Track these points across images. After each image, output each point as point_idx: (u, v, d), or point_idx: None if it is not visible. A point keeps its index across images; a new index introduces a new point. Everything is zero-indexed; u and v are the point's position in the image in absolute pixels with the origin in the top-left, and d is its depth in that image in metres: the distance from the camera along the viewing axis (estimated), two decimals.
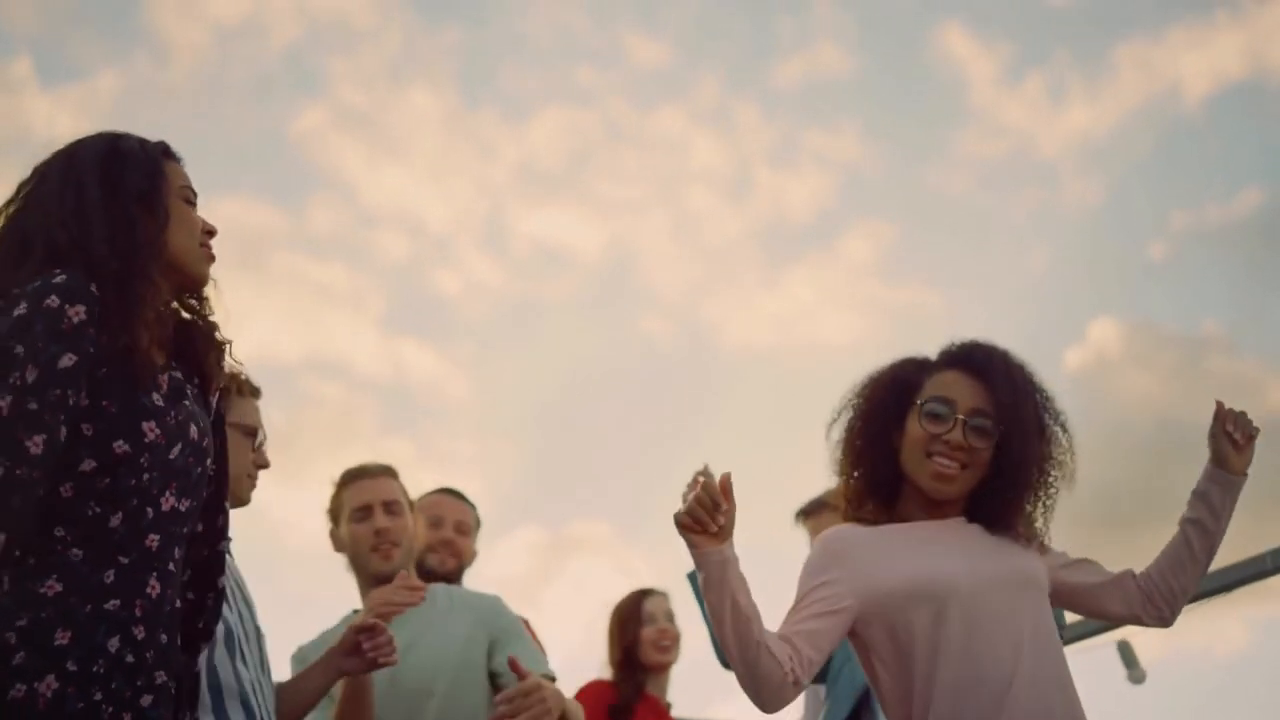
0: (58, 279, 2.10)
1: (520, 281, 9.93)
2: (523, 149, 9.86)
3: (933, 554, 2.60)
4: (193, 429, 2.20)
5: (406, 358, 9.82)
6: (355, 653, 2.97)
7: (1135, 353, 10.25)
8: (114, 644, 2.06)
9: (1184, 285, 9.79)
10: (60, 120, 9.44)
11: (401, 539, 3.51)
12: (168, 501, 2.14)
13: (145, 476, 2.12)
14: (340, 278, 9.78)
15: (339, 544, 3.61)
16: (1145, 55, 9.78)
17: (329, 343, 9.78)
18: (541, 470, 9.62)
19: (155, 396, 2.15)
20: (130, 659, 2.06)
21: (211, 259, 2.33)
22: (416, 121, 9.89)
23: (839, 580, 2.59)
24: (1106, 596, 2.77)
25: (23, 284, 2.12)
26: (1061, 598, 2.76)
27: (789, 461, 9.42)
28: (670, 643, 4.29)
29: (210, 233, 2.35)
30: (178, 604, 2.20)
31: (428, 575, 3.78)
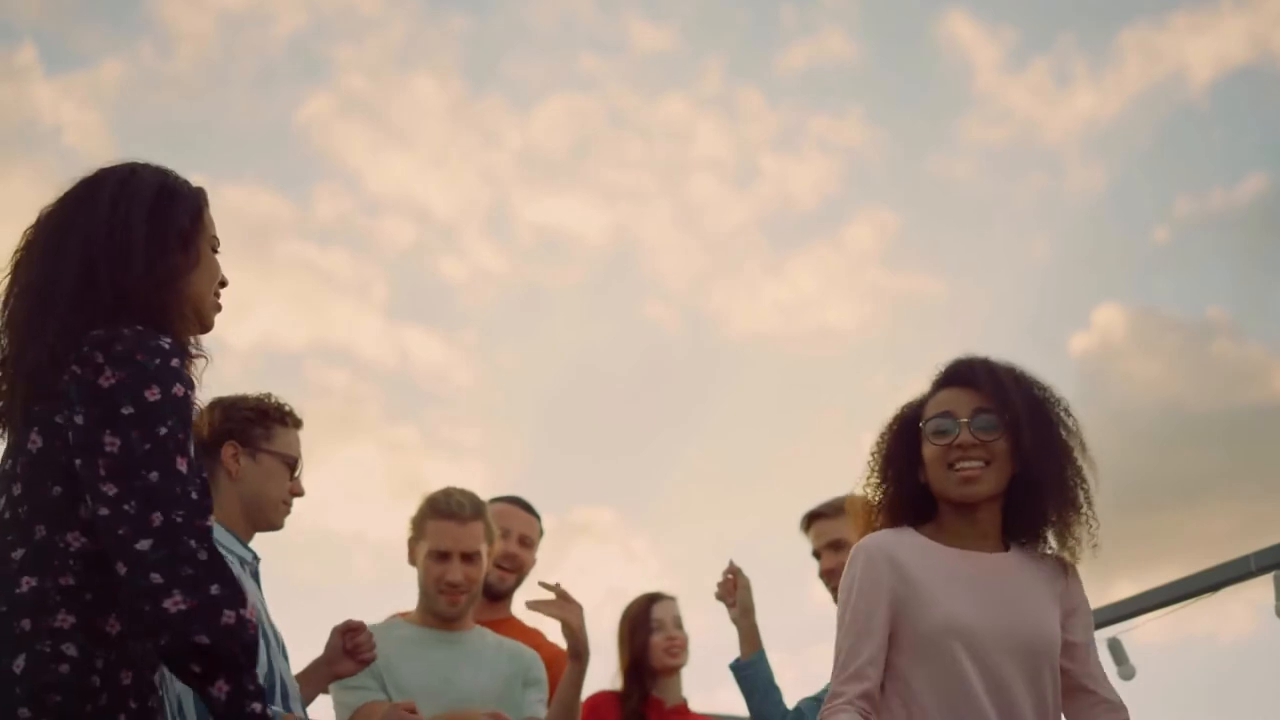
0: (174, 361, 2.16)
1: (525, 269, 9.98)
2: (527, 136, 9.90)
3: (969, 600, 2.67)
4: None
5: (411, 345, 9.87)
6: (346, 656, 3.07)
7: (1140, 339, 10.29)
8: (156, 678, 2.16)
9: (1189, 271, 9.83)
10: (64, 109, 9.50)
11: (472, 588, 3.71)
12: None
13: None
14: (345, 265, 9.83)
15: (412, 558, 3.79)
16: (1149, 41, 9.81)
17: (334, 330, 9.85)
18: (546, 457, 9.68)
19: None
20: (161, 694, 2.17)
21: (219, 309, 2.39)
22: (421, 109, 9.93)
23: (877, 602, 2.68)
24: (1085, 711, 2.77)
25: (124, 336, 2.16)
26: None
27: (793, 447, 9.49)
28: (678, 648, 4.35)
29: (224, 283, 2.40)
30: None
31: (487, 590, 3.95)
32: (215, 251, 2.40)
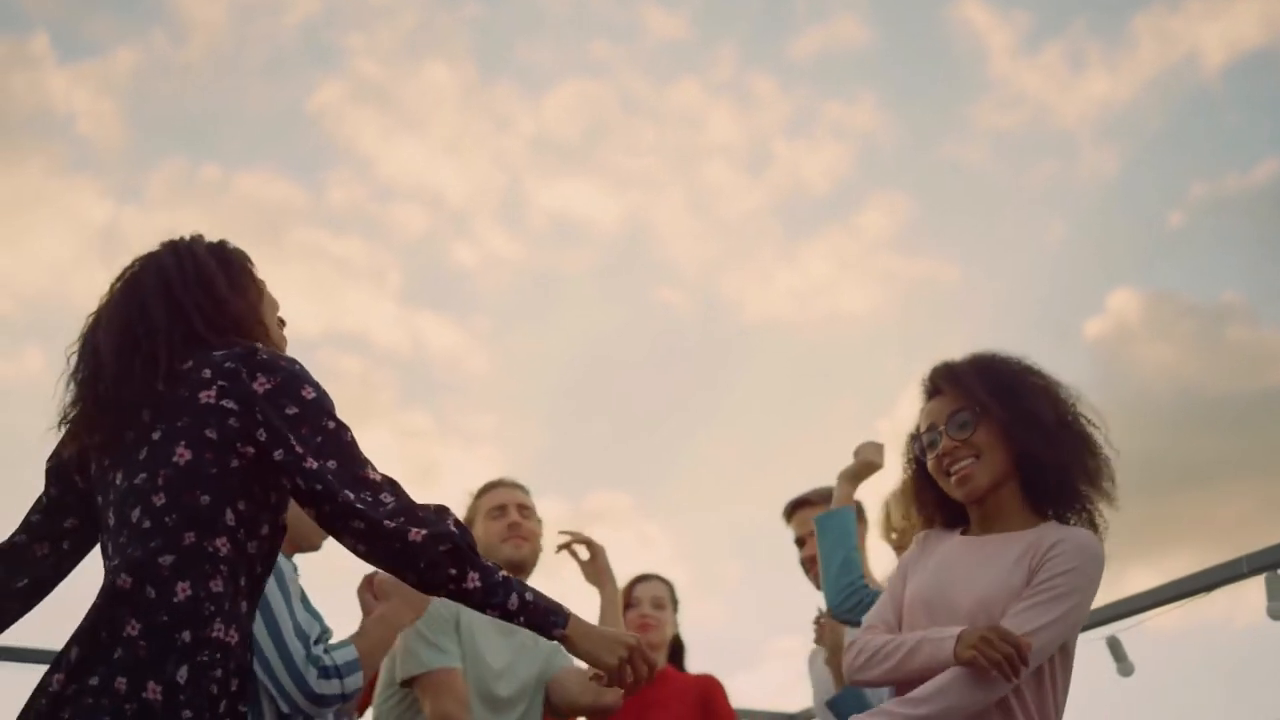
0: (298, 363, 2.44)
1: (538, 254, 10.07)
2: (539, 122, 9.98)
3: (921, 575, 2.91)
4: None
5: (425, 331, 9.97)
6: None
7: (1155, 323, 10.34)
8: (247, 688, 2.39)
9: (1203, 255, 9.86)
10: (78, 97, 9.63)
11: (531, 535, 4.11)
12: None
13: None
14: (358, 252, 9.93)
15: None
16: (1163, 25, 9.84)
17: (347, 316, 9.95)
18: (560, 443, 9.80)
19: None
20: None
21: (285, 341, 2.65)
22: (433, 95, 10.02)
23: (890, 591, 2.99)
24: None
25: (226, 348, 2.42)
26: None
27: (806, 433, 9.60)
28: (649, 626, 4.50)
29: (282, 322, 2.68)
30: None
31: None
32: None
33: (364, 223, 9.85)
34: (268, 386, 2.35)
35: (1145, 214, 9.85)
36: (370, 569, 3.33)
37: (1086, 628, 4.71)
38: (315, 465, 2.30)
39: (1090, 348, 9.99)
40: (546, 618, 2.36)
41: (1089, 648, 3.01)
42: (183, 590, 2.28)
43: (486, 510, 4.16)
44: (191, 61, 9.62)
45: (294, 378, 2.38)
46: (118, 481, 2.41)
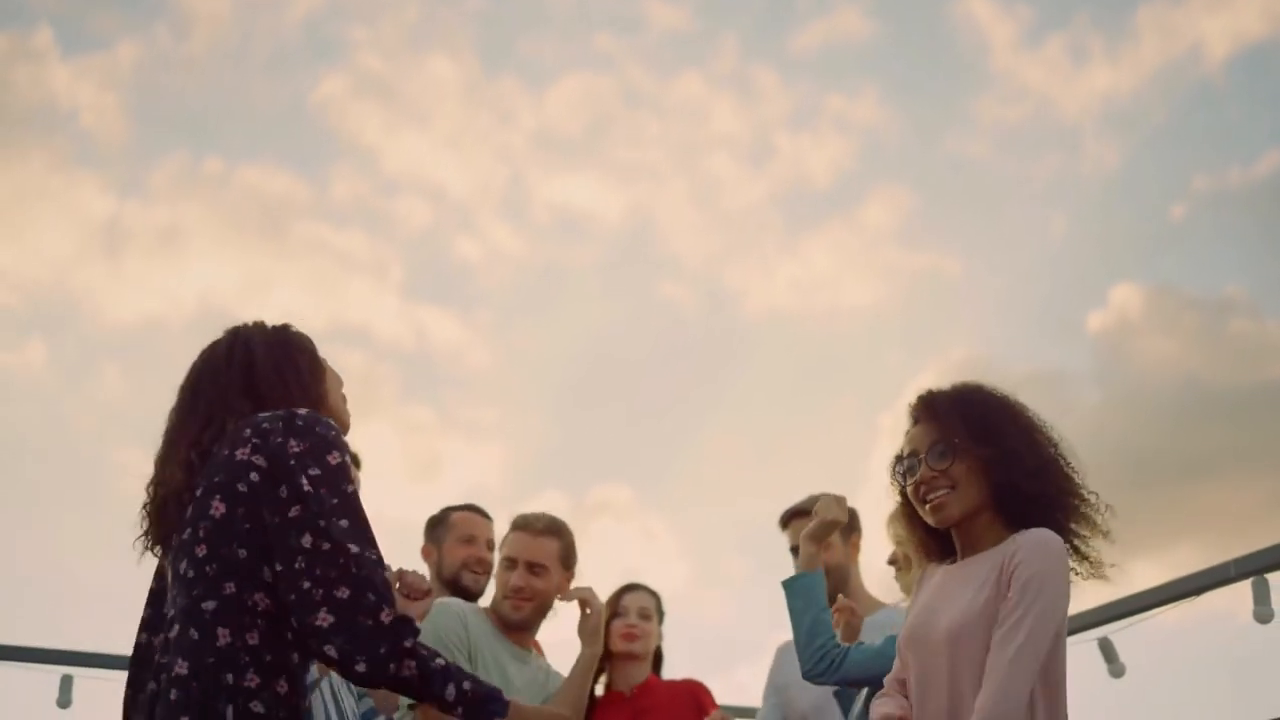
0: (334, 431, 2.60)
1: (541, 248, 10.17)
2: (542, 115, 10.07)
3: (913, 615, 3.01)
4: None
5: (428, 325, 10.06)
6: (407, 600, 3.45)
7: (1157, 317, 10.41)
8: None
9: (1206, 249, 9.94)
10: (81, 91, 9.73)
11: (535, 595, 4.08)
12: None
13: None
14: (361, 245, 10.03)
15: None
16: (1166, 17, 9.92)
17: (350, 310, 10.05)
18: (563, 436, 9.90)
19: None
20: None
21: (348, 414, 2.85)
22: (436, 89, 10.12)
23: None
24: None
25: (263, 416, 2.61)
26: None
27: (809, 426, 9.70)
28: (633, 637, 4.59)
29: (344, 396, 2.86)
30: None
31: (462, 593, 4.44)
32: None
33: (367, 216, 9.96)
34: (298, 450, 2.52)
35: (1148, 207, 9.95)
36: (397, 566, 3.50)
37: (1075, 630, 4.85)
38: (325, 524, 2.46)
39: (1092, 341, 10.09)
40: (485, 706, 2.48)
41: (1080, 649, 3.11)
42: (223, 635, 2.44)
43: (503, 556, 4.16)
44: (194, 55, 9.73)
45: (324, 443, 2.54)
46: (174, 544, 2.61)
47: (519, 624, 4.08)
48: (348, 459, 2.56)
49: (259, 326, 2.81)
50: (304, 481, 2.48)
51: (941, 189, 9.97)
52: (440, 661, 2.46)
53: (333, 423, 2.61)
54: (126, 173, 9.79)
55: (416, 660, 2.42)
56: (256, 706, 2.41)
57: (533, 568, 4.06)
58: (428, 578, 3.69)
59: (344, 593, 2.40)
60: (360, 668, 2.39)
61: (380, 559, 2.49)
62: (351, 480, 2.54)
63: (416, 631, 2.46)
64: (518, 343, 10.11)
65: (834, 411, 9.72)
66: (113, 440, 9.58)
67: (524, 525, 4.12)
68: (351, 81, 9.92)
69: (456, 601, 4.19)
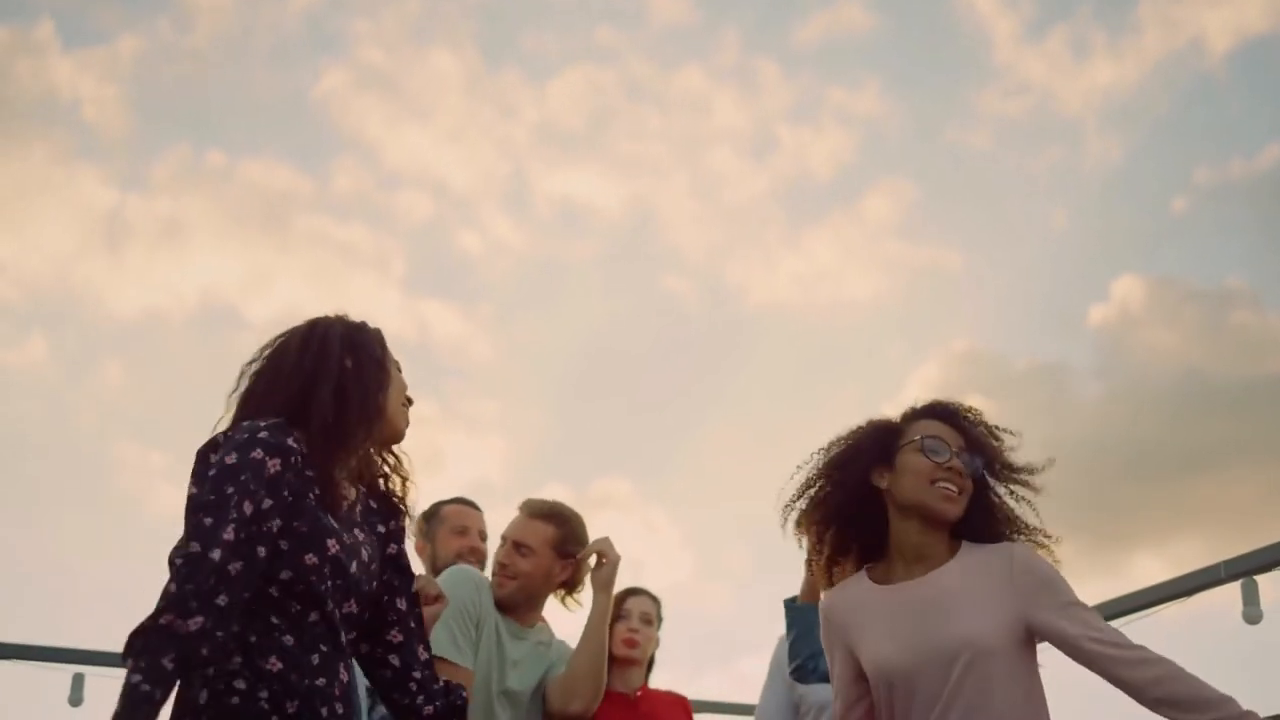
0: (262, 433, 2.68)
1: (542, 241, 10.29)
2: (544, 109, 10.19)
3: (883, 633, 3.06)
4: (364, 552, 2.79)
5: (429, 318, 10.18)
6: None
7: (1159, 309, 10.53)
8: (325, 712, 2.66)
9: (1207, 241, 10.07)
10: (83, 83, 9.86)
11: (518, 575, 4.21)
12: (349, 606, 2.74)
13: (329, 584, 2.70)
14: (363, 239, 10.15)
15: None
16: (1167, 11, 10.02)
17: (352, 304, 10.02)
18: (565, 429, 10.03)
19: (331, 519, 2.73)
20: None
21: (408, 420, 2.93)
22: (438, 83, 10.23)
23: (840, 658, 3.14)
24: (1109, 665, 2.90)
25: (238, 426, 2.73)
26: (1055, 643, 3.00)
27: (810, 417, 9.82)
28: (635, 642, 4.72)
29: (409, 400, 2.95)
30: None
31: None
32: (399, 372, 2.94)
33: (368, 210, 10.09)
34: (218, 454, 2.65)
35: (1149, 200, 10.06)
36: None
37: None
38: (192, 519, 2.59)
39: (1094, 334, 10.22)
40: None
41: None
42: (220, 635, 2.59)
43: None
44: (196, 48, 9.85)
45: (230, 443, 2.65)
46: None
47: (502, 601, 4.19)
48: (254, 458, 2.63)
49: (339, 328, 2.89)
50: (205, 478, 2.65)
51: (943, 182, 10.10)
52: (145, 689, 2.46)
53: (261, 427, 2.68)
54: (128, 166, 9.92)
55: (135, 673, 2.46)
56: (238, 684, 2.60)
57: (519, 547, 4.20)
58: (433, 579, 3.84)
59: (168, 586, 2.54)
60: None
61: (219, 566, 2.53)
62: (240, 482, 2.60)
63: (169, 653, 2.47)
64: (519, 336, 10.23)
65: (835, 404, 9.85)
66: (114, 435, 9.71)
67: (523, 507, 4.29)
68: (353, 75, 10.04)
69: (476, 571, 4.35)
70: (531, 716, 4.22)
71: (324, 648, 2.69)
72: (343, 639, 2.73)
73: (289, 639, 2.66)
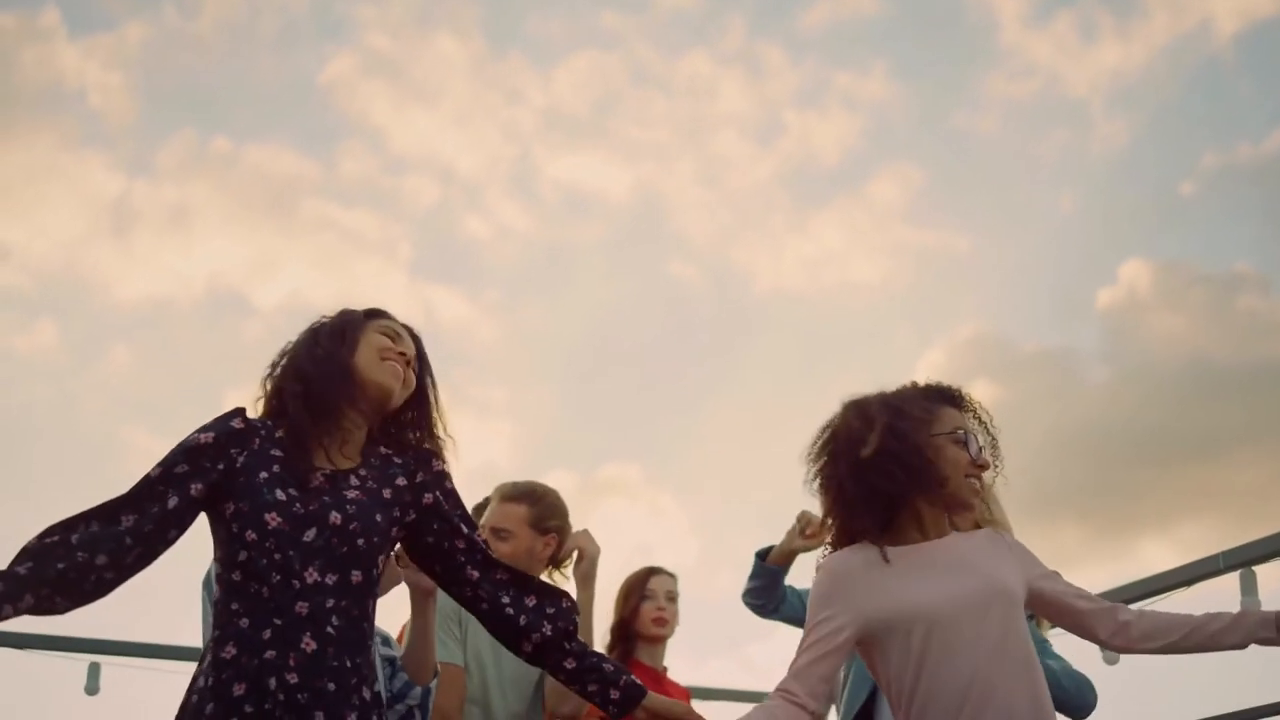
0: (214, 419, 2.94)
1: (549, 226, 10.37)
2: (550, 94, 10.26)
3: (916, 582, 3.19)
4: (334, 515, 2.86)
5: (436, 304, 10.25)
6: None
7: (1166, 293, 10.61)
8: (273, 683, 2.74)
9: (1215, 225, 10.13)
10: (89, 70, 9.95)
11: (502, 558, 4.28)
12: (311, 575, 2.81)
13: (276, 555, 2.79)
14: (369, 224, 10.24)
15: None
16: None
17: (358, 289, 10.26)
18: (572, 414, 10.14)
19: (280, 493, 2.85)
20: (282, 697, 2.74)
21: (395, 374, 3.03)
22: (444, 68, 10.31)
23: (838, 614, 3.19)
24: (1094, 620, 3.26)
25: None
26: (1040, 606, 3.31)
27: (817, 403, 9.91)
28: (664, 620, 4.87)
29: (395, 351, 3.04)
30: (355, 661, 2.84)
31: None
32: (388, 335, 3.06)
33: (375, 195, 10.18)
34: None
35: (1156, 184, 10.14)
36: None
37: None
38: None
39: (1101, 318, 10.31)
40: None
41: (1075, 635, 3.33)
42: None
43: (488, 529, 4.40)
44: (202, 34, 9.93)
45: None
46: None
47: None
48: (190, 436, 2.87)
49: (328, 321, 3.08)
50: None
51: (950, 166, 10.17)
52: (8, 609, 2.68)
53: (193, 434, 2.89)
54: (134, 152, 10.02)
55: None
56: (200, 681, 2.79)
57: (497, 532, 4.30)
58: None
59: None
60: None
61: (108, 521, 2.78)
62: (170, 459, 2.85)
63: (18, 559, 2.71)
64: (526, 321, 10.32)
65: (842, 389, 9.81)
66: (122, 420, 9.83)
67: (495, 492, 4.40)
68: (359, 60, 10.12)
69: None
70: (535, 702, 4.33)
71: (277, 621, 2.76)
72: (302, 608, 2.78)
73: (245, 621, 2.78)
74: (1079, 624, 3.27)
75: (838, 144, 10.27)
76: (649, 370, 10.13)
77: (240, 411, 2.95)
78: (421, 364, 3.13)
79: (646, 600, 4.88)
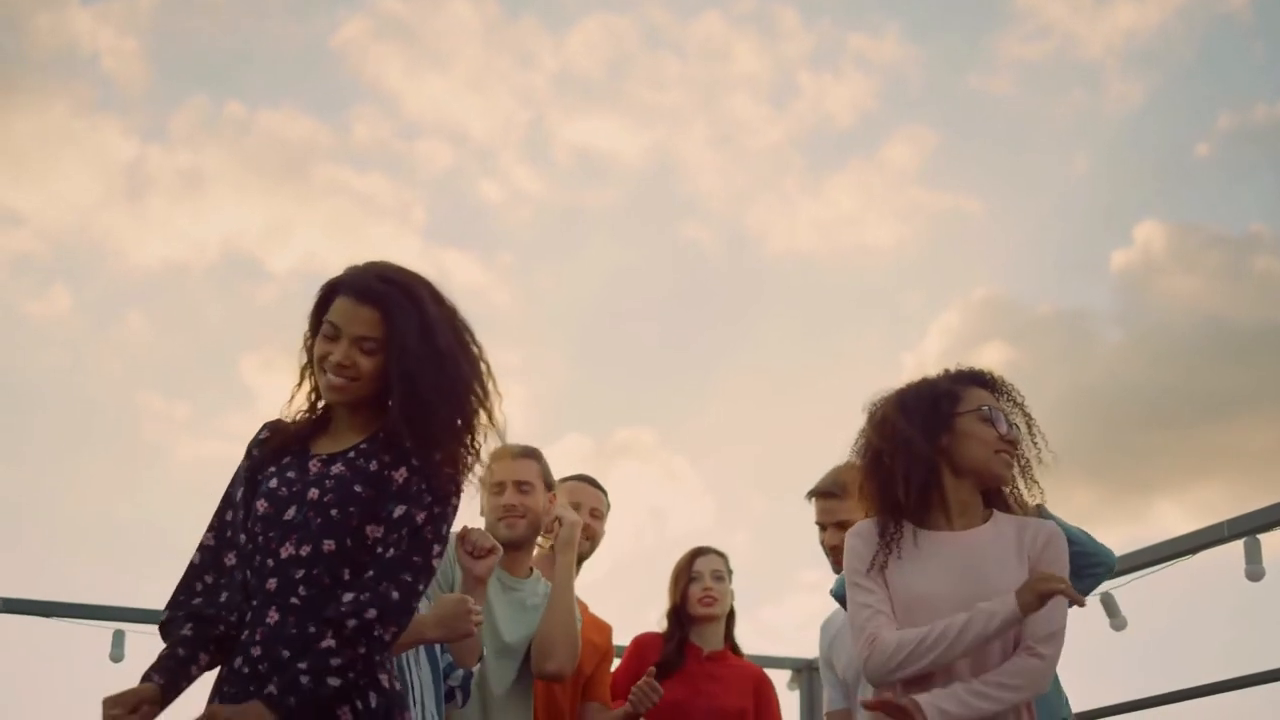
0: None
1: (562, 190, 10.48)
2: (563, 57, 10.35)
3: (915, 572, 3.35)
4: (312, 491, 2.94)
5: (449, 268, 10.34)
6: (473, 559, 3.98)
7: (1181, 255, 10.69)
8: (238, 662, 2.89)
9: (1230, 186, 10.21)
10: (102, 36, 10.06)
11: (527, 513, 4.48)
12: (286, 550, 2.91)
13: (260, 538, 2.93)
14: (382, 189, 10.35)
15: (482, 509, 4.59)
16: None
17: (372, 253, 10.28)
18: (586, 378, 10.28)
19: (275, 481, 3.00)
20: (246, 671, 2.87)
21: (332, 385, 2.99)
22: (457, 31, 10.40)
23: (875, 582, 3.38)
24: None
25: None
26: None
27: (831, 366, 10.05)
28: (711, 600, 5.03)
29: (332, 362, 2.97)
30: (315, 628, 2.88)
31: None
32: (333, 326, 2.98)
33: (388, 160, 10.28)
34: None
35: (1171, 145, 10.21)
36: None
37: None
38: None
39: (1116, 279, 10.40)
40: None
41: (1071, 624, 3.49)
42: None
43: (489, 484, 4.45)
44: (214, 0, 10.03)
45: None
46: None
47: (515, 542, 4.43)
48: (230, 492, 3.08)
49: None
50: None
51: (964, 128, 10.25)
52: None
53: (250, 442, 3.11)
54: (148, 118, 10.14)
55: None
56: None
57: (520, 485, 4.48)
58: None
59: None
60: None
61: (201, 546, 3.03)
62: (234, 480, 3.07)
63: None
64: (539, 285, 10.44)
65: (856, 351, 10.05)
66: (138, 385, 9.99)
67: (504, 450, 4.40)
68: (372, 24, 10.21)
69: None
70: (525, 669, 4.46)
71: (254, 600, 2.90)
72: (272, 584, 2.88)
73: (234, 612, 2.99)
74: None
75: (852, 106, 10.36)
76: (663, 333, 10.26)
77: (262, 432, 3.11)
78: (393, 339, 2.97)
79: (694, 582, 5.05)
